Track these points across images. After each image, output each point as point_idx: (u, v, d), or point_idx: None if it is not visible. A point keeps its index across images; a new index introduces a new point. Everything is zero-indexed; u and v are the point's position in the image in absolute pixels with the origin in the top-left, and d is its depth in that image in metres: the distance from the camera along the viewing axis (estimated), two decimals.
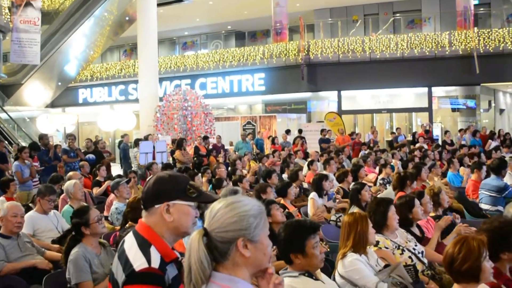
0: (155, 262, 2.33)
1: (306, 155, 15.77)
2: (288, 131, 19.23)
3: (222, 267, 2.00)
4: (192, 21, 29.52)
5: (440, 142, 18.36)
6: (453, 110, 23.86)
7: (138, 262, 2.32)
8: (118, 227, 6.33)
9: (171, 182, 2.47)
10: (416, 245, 4.74)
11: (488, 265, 3.02)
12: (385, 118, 25.56)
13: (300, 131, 19.19)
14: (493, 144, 15.90)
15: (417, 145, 15.91)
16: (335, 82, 22.33)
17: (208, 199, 2.48)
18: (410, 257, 4.57)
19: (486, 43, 20.58)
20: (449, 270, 3.11)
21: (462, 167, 10.90)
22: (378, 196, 8.07)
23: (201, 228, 2.04)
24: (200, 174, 9.79)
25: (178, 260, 2.45)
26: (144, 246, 2.38)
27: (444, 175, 10.97)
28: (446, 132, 18.13)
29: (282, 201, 6.93)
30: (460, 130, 18.83)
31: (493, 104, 24.19)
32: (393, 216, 4.64)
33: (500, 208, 7.49)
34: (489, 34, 20.73)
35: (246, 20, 28.21)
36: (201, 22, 30.01)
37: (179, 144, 15.04)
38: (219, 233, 1.98)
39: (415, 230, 5.19)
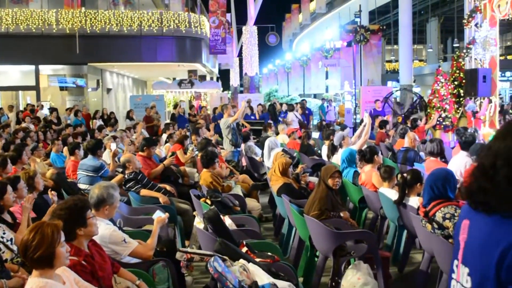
0: None
1: None
2: None
3: None
4: None
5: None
6: (62, 88, 24.00)
7: None
8: None
9: None
10: (4, 233, 4.66)
11: (63, 250, 3.16)
12: None
13: None
14: (97, 123, 16.62)
15: (23, 125, 15.54)
16: None
17: None
18: None
19: (93, 24, 21.27)
20: (24, 257, 3.16)
21: (65, 147, 11.14)
22: None
23: None
24: None
25: None
26: None
27: (48, 155, 11.07)
28: (52, 111, 18.10)
29: None
30: (67, 109, 19.10)
31: (101, 84, 25.16)
32: None
33: None
34: (96, 15, 21.47)
35: None
36: None
37: None
38: None
39: (7, 217, 5.15)
